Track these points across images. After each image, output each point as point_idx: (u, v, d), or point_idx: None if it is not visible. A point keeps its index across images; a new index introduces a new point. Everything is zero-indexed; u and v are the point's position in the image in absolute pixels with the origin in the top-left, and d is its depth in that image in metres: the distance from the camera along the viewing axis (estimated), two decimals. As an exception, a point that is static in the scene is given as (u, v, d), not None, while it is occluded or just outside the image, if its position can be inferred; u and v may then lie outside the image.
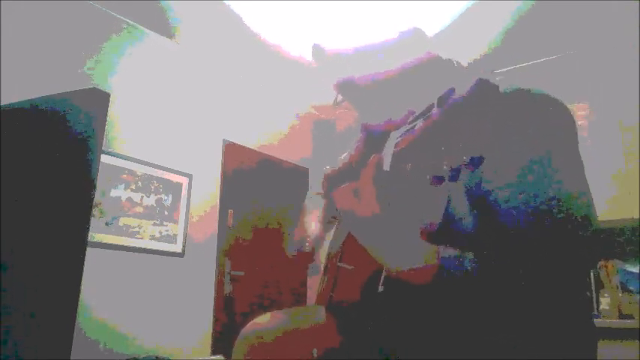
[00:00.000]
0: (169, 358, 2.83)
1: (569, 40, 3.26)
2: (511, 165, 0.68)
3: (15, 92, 2.01)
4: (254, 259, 3.75)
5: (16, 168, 1.11)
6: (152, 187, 3.13)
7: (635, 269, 2.81)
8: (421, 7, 2.90)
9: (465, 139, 0.50)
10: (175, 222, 3.24)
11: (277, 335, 0.89)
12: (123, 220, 2.94)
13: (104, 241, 2.81)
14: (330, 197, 0.70)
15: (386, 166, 0.64)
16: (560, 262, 0.64)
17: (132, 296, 2.91)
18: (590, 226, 0.66)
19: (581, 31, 3.16)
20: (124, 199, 2.96)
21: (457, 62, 0.92)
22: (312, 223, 1.12)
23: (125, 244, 2.92)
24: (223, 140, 3.69)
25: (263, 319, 0.96)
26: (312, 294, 4.05)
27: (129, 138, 3.06)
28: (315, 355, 0.84)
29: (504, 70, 3.37)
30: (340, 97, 0.97)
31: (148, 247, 3.05)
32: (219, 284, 3.46)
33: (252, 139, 3.92)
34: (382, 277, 0.81)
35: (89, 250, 1.08)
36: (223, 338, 3.33)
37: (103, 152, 2.76)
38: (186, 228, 3.29)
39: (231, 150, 3.73)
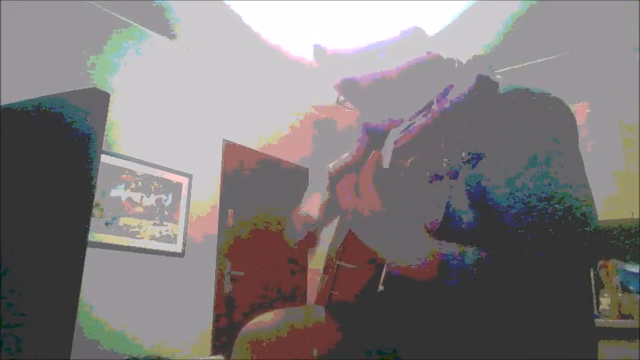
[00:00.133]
0: (169, 358, 2.83)
1: (569, 40, 3.26)
2: (510, 163, 0.67)
3: (15, 92, 2.01)
4: (254, 259, 3.75)
5: (16, 168, 1.11)
6: (152, 187, 3.13)
7: (635, 269, 2.81)
8: (421, 6, 2.90)
9: (465, 136, 0.49)
10: (175, 222, 3.24)
11: (277, 335, 0.89)
12: (123, 220, 2.94)
13: (104, 241, 2.81)
14: (334, 194, 0.70)
15: (386, 164, 0.64)
16: (560, 261, 0.64)
17: (132, 296, 2.91)
18: (589, 224, 0.66)
19: (581, 31, 3.16)
20: (124, 199, 2.96)
21: (458, 61, 0.92)
22: (313, 209, 1.11)
23: (125, 244, 2.92)
24: (223, 140, 3.69)
25: (263, 319, 0.96)
26: (312, 293, 4.05)
27: (129, 138, 3.06)
28: (316, 354, 0.84)
29: (504, 70, 3.37)
30: (342, 97, 0.97)
31: (148, 247, 3.05)
32: (219, 284, 3.46)
33: (252, 139, 3.92)
34: (383, 275, 0.81)
35: (89, 250, 1.08)
36: (223, 338, 3.33)
37: (103, 152, 2.75)
38: (186, 228, 3.29)
39: (231, 150, 3.73)
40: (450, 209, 0.71)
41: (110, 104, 1.10)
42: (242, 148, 3.83)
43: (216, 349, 3.30)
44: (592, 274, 2.83)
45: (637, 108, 2.97)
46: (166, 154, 3.26)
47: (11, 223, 1.06)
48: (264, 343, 0.88)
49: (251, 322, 0.96)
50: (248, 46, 3.44)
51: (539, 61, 3.42)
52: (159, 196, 3.16)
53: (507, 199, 0.67)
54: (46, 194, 1.06)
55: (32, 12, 2.70)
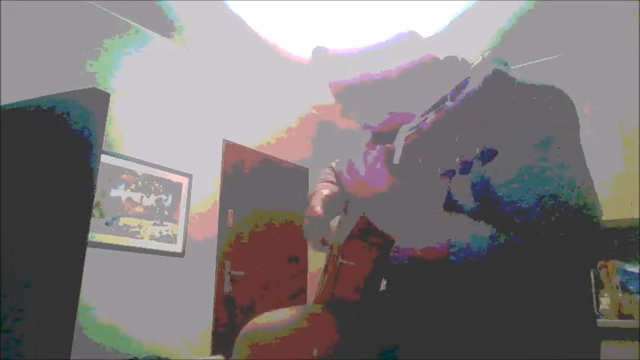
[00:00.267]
0: (169, 358, 2.83)
1: (569, 40, 3.26)
2: (513, 157, 0.67)
3: (15, 92, 2.01)
4: (254, 259, 3.75)
5: (16, 168, 1.11)
6: (152, 187, 3.13)
7: (635, 269, 2.81)
8: (421, 6, 2.90)
9: (477, 132, 0.49)
10: (175, 222, 3.24)
11: (278, 335, 0.89)
12: (123, 220, 2.94)
13: (104, 241, 2.81)
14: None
15: (396, 160, 0.64)
16: (562, 257, 0.64)
17: (132, 296, 2.91)
18: (593, 221, 0.65)
19: (581, 31, 3.16)
20: (124, 199, 2.96)
21: (462, 58, 0.92)
22: (325, 191, 1.11)
23: (125, 244, 2.92)
24: (223, 140, 3.69)
25: (263, 319, 0.96)
26: (312, 293, 4.05)
27: (129, 138, 3.06)
28: (316, 354, 0.84)
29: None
30: (343, 107, 0.97)
31: (148, 247, 3.05)
32: (219, 284, 3.46)
33: (252, 139, 3.92)
34: (385, 273, 0.81)
35: (89, 250, 1.08)
36: (223, 338, 3.33)
37: (103, 152, 2.75)
38: (186, 228, 3.29)
39: (231, 150, 3.73)
40: (452, 200, 0.71)
41: (110, 104, 1.10)
42: (242, 148, 3.83)
43: (216, 349, 3.30)
44: (592, 274, 2.83)
45: (637, 108, 2.97)
46: (166, 154, 3.26)
47: (11, 223, 1.06)
48: (265, 344, 0.88)
49: (251, 322, 0.96)
50: (248, 46, 3.44)
51: (539, 61, 3.42)
52: (159, 196, 3.16)
53: (509, 196, 0.67)
54: (46, 194, 1.06)
55: (32, 12, 2.70)
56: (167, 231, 3.18)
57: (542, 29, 3.15)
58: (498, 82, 0.50)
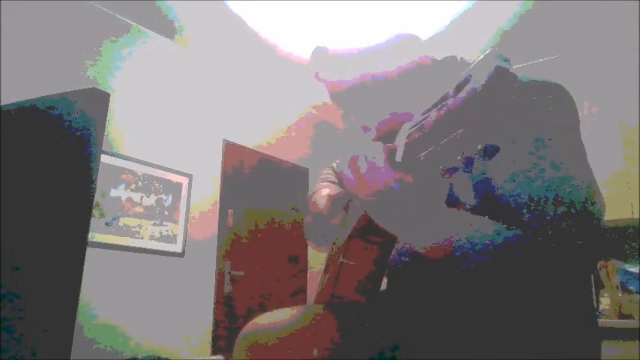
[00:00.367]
0: (169, 358, 2.83)
1: (569, 40, 3.26)
2: (513, 155, 0.67)
3: (15, 92, 2.01)
4: (254, 259, 3.75)
5: (16, 168, 1.11)
6: (152, 187, 3.13)
7: (635, 269, 2.81)
8: (422, 7, 2.90)
9: (480, 129, 0.49)
10: (175, 222, 3.24)
11: (278, 335, 0.89)
12: (123, 220, 2.94)
13: (104, 241, 2.81)
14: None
15: (398, 159, 0.64)
16: (564, 254, 0.63)
17: (132, 296, 2.91)
18: (594, 218, 0.64)
19: (581, 31, 3.16)
20: (124, 199, 2.96)
21: (461, 58, 0.92)
22: (326, 190, 1.11)
23: (125, 244, 2.92)
24: (223, 140, 3.70)
25: (264, 319, 0.96)
26: (312, 293, 4.05)
27: (129, 138, 3.06)
28: (316, 354, 0.84)
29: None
30: (342, 111, 0.97)
31: (148, 247, 3.05)
32: (219, 284, 3.46)
33: (252, 139, 3.92)
34: (386, 272, 0.80)
35: (89, 250, 1.08)
36: (223, 338, 3.33)
37: (103, 152, 2.75)
38: (186, 228, 3.29)
39: (231, 150, 3.73)
40: (454, 197, 0.71)
41: (110, 104, 1.10)
42: (242, 148, 3.83)
43: (216, 349, 3.30)
44: (592, 273, 2.82)
45: (637, 108, 2.97)
46: (166, 154, 3.26)
47: (11, 223, 1.06)
48: (265, 344, 0.88)
49: (251, 323, 0.95)
50: (248, 46, 3.44)
51: (539, 61, 3.42)
52: (159, 196, 3.16)
53: (511, 191, 0.67)
54: (45, 194, 1.06)
55: (32, 12, 2.70)
56: (167, 231, 3.18)
57: (542, 29, 3.15)
58: (500, 79, 0.50)
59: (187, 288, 3.24)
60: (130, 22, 3.20)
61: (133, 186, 3.02)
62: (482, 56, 0.63)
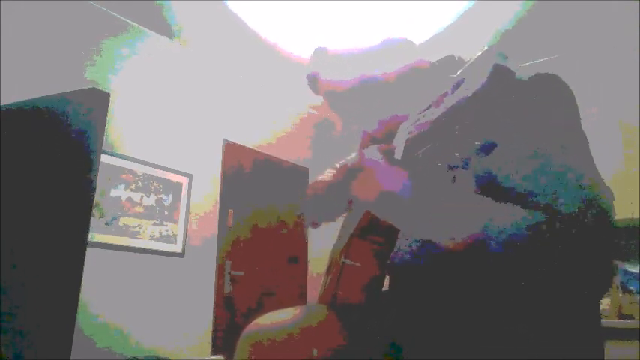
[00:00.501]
0: (169, 358, 2.83)
1: (569, 40, 3.26)
2: (515, 150, 0.66)
3: (15, 92, 2.00)
4: (254, 259, 3.75)
5: (16, 168, 1.11)
6: (152, 187, 3.13)
7: (635, 269, 2.81)
8: (421, 7, 2.90)
9: (478, 125, 0.49)
10: (175, 222, 3.24)
11: (280, 335, 0.89)
12: (123, 220, 2.94)
13: (104, 241, 2.81)
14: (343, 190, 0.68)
15: (397, 157, 0.63)
16: (571, 255, 0.61)
17: (132, 296, 2.91)
18: (605, 214, 0.62)
19: (581, 31, 3.16)
20: (124, 199, 2.96)
21: (458, 57, 0.92)
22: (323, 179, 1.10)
23: (125, 244, 2.92)
24: (223, 140, 3.69)
25: (265, 319, 0.95)
26: (312, 293, 4.06)
27: (129, 138, 3.06)
28: (316, 354, 0.84)
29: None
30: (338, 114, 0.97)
31: (148, 247, 3.05)
32: (219, 284, 3.46)
33: (252, 139, 3.92)
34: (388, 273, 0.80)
35: (89, 250, 1.08)
36: (223, 338, 3.33)
37: (103, 152, 2.75)
38: (186, 228, 3.29)
39: (231, 150, 3.73)
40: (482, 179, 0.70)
41: (110, 104, 1.10)
42: (242, 148, 3.83)
43: (216, 349, 3.30)
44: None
45: (637, 108, 2.97)
46: (166, 154, 3.26)
47: (11, 223, 1.06)
48: (267, 344, 0.88)
49: (253, 323, 0.95)
50: (248, 46, 3.44)
51: (539, 61, 3.42)
52: (159, 196, 3.16)
53: (516, 184, 0.66)
54: (46, 194, 1.06)
55: (32, 12, 2.70)
56: (167, 231, 3.18)
57: (542, 29, 3.15)
58: (499, 75, 0.50)
59: (187, 288, 3.24)
60: (129, 22, 3.20)
61: (133, 186, 3.02)
62: (479, 54, 0.63)
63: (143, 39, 3.28)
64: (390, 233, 0.70)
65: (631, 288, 2.79)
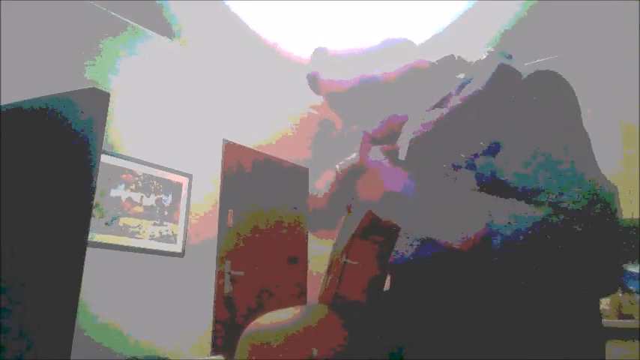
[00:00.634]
0: (169, 358, 2.83)
1: (569, 40, 3.26)
2: (519, 147, 0.66)
3: (15, 92, 2.01)
4: (254, 259, 3.75)
5: (15, 168, 1.11)
6: (152, 187, 3.13)
7: (635, 269, 2.81)
8: (422, 7, 2.90)
9: (482, 126, 0.49)
10: (175, 222, 3.23)
11: (281, 335, 0.89)
12: (123, 220, 2.94)
13: (104, 241, 2.81)
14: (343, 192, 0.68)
15: (401, 156, 0.63)
16: (579, 250, 0.61)
17: (132, 296, 2.91)
18: (608, 201, 0.61)
19: (581, 31, 3.16)
20: (124, 199, 2.96)
21: (459, 57, 0.92)
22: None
23: (125, 244, 2.92)
24: (223, 140, 3.69)
25: (266, 319, 0.95)
26: (312, 293, 4.05)
27: (129, 138, 3.06)
28: (316, 354, 0.84)
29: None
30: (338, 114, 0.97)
31: (148, 247, 3.05)
32: (219, 284, 3.45)
33: (252, 139, 3.92)
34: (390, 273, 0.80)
35: (89, 250, 1.08)
36: (223, 338, 3.33)
37: (103, 152, 2.75)
38: (186, 228, 3.29)
39: (231, 150, 3.73)
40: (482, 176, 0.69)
41: (110, 104, 1.10)
42: (242, 148, 3.83)
43: (216, 349, 3.30)
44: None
45: (637, 108, 2.97)
46: (166, 154, 3.26)
47: (11, 223, 1.06)
48: (269, 344, 0.88)
49: (254, 323, 0.95)
50: (248, 46, 3.44)
51: (538, 61, 3.42)
52: (159, 196, 3.16)
53: (520, 181, 0.65)
54: (45, 194, 1.06)
55: (32, 12, 2.70)
56: (167, 231, 3.18)
57: (542, 29, 3.15)
58: (503, 75, 0.50)
59: (187, 288, 3.24)
60: (130, 22, 3.20)
61: (132, 186, 3.02)
62: (484, 55, 0.63)
63: (143, 39, 3.28)
64: (392, 233, 0.70)
65: (631, 288, 2.79)
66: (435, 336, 0.71)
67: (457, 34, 3.13)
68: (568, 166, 0.65)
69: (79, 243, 0.99)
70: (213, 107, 3.66)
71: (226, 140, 3.71)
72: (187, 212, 3.32)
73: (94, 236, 2.74)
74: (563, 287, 0.63)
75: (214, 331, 3.35)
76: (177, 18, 3.18)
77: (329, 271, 1.02)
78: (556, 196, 0.62)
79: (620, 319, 2.73)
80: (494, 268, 0.63)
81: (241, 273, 3.60)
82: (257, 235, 3.81)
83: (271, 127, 4.11)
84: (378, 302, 0.84)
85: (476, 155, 0.49)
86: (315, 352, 0.84)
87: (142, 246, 3.02)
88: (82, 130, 1.06)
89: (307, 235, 4.14)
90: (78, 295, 0.97)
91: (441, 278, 0.72)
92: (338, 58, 0.94)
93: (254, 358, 0.88)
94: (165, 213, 3.18)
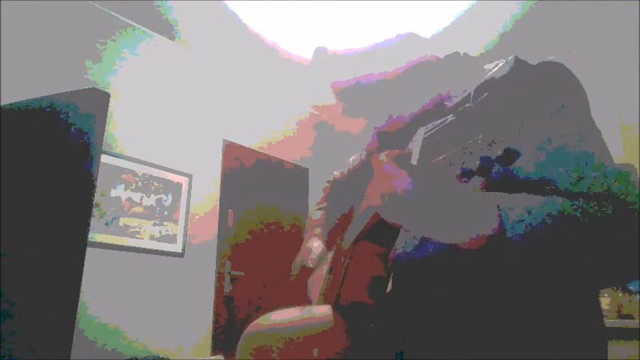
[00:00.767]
0: (169, 358, 2.83)
1: (569, 40, 3.26)
2: (529, 140, 0.65)
3: (15, 92, 2.01)
4: (254, 259, 3.75)
5: (15, 168, 1.11)
6: (152, 187, 3.13)
7: (635, 269, 2.80)
8: (422, 7, 2.90)
9: (497, 130, 0.48)
10: (175, 222, 3.23)
11: (281, 336, 0.89)
12: (123, 220, 2.94)
13: (104, 241, 2.81)
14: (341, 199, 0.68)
15: (414, 161, 0.62)
16: (602, 239, 0.59)
17: (132, 296, 2.91)
18: (628, 200, 0.59)
19: (580, 31, 3.16)
20: (124, 199, 2.96)
21: (464, 53, 0.92)
22: (315, 243, 1.14)
23: (125, 244, 2.92)
24: (223, 140, 3.69)
25: (266, 320, 0.95)
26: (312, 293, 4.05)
27: (129, 138, 3.06)
28: (316, 354, 0.84)
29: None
30: (345, 106, 0.96)
31: (148, 247, 3.05)
32: (219, 284, 3.45)
33: (252, 139, 3.92)
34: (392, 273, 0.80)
35: (89, 250, 1.08)
36: (223, 338, 3.33)
37: (103, 152, 2.76)
38: (186, 228, 3.29)
39: (231, 150, 3.73)
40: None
41: (110, 104, 1.10)
42: (242, 148, 3.83)
43: (216, 349, 3.30)
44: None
45: (637, 108, 2.97)
46: (166, 154, 3.26)
47: (11, 223, 1.06)
48: (269, 344, 0.88)
49: (254, 324, 0.95)
50: (248, 46, 3.44)
51: (538, 61, 3.42)
52: (159, 196, 3.16)
53: (531, 173, 0.64)
54: (45, 194, 1.06)
55: (32, 12, 2.70)
56: (167, 231, 3.17)
57: (542, 29, 3.15)
58: (519, 68, 0.49)
59: (187, 288, 3.24)
60: (130, 22, 3.20)
61: (132, 186, 3.02)
62: (502, 62, 0.62)
63: (143, 39, 3.28)
64: (394, 235, 0.70)
65: (631, 288, 2.79)
66: (439, 336, 0.71)
67: (456, 35, 3.13)
68: (582, 151, 0.63)
69: (79, 243, 0.99)
70: (214, 107, 3.66)
71: (226, 140, 3.71)
72: (187, 212, 3.32)
73: (94, 236, 2.74)
74: (580, 279, 0.61)
75: (214, 331, 3.35)
76: (178, 18, 3.18)
77: (331, 271, 1.02)
78: (571, 183, 0.61)
79: (620, 319, 2.73)
80: (508, 266, 0.61)
81: (241, 273, 3.60)
82: (257, 235, 3.81)
83: (271, 127, 4.11)
84: (381, 303, 0.84)
85: (490, 163, 0.48)
86: (315, 352, 0.84)
87: (142, 246, 3.02)
88: (82, 130, 1.06)
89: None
90: (78, 295, 0.97)
91: (444, 277, 0.72)
92: (338, 57, 0.93)
93: (255, 359, 0.88)
94: (165, 213, 3.18)
